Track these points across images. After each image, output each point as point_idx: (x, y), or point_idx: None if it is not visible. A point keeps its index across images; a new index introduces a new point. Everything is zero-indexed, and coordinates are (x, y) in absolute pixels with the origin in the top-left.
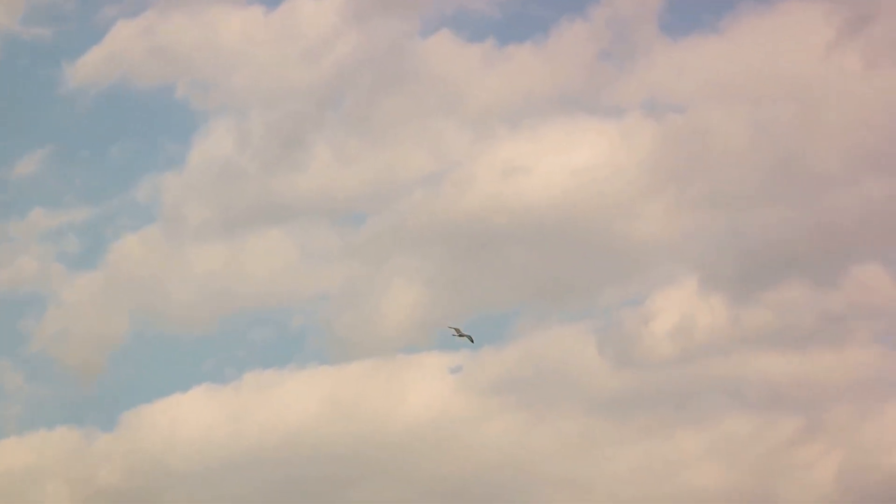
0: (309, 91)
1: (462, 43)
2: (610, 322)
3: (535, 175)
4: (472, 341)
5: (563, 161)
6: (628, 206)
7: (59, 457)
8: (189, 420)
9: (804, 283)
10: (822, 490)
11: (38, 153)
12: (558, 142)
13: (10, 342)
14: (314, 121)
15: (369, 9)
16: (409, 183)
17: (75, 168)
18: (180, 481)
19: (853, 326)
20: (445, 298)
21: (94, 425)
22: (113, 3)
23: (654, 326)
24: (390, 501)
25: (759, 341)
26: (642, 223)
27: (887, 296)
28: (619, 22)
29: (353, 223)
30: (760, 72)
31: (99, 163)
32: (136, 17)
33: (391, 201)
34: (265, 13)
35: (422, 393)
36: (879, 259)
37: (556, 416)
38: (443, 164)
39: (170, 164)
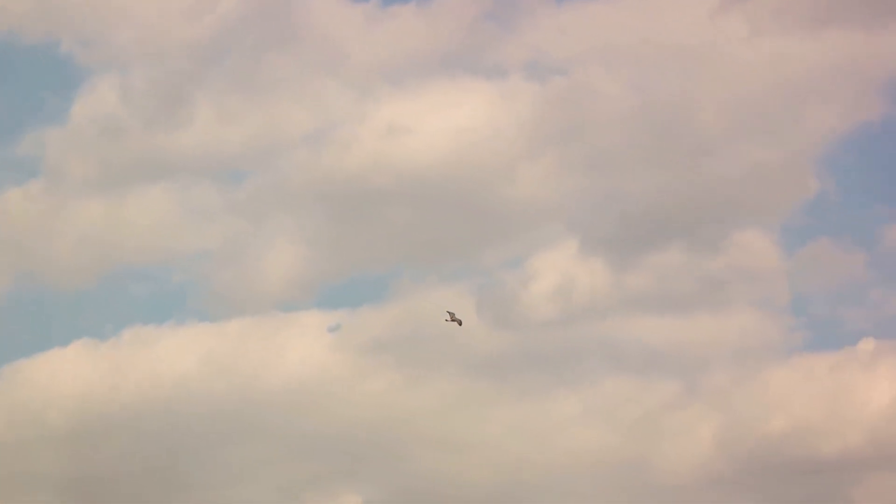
0: (192, 48)
1: (346, 2)
2: (490, 283)
3: (417, 135)
4: (461, 324)
5: (445, 122)
6: (510, 167)
7: None
8: (68, 375)
9: (684, 247)
10: (699, 454)
11: None
12: (440, 102)
13: None
14: (197, 78)
15: None
16: (292, 141)
17: None
18: (58, 436)
19: (733, 291)
20: (326, 257)
21: None
22: None
23: (534, 288)
24: (268, 459)
25: (638, 305)
26: (523, 185)
27: (767, 261)
28: None
29: (235, 181)
30: (644, 36)
31: None
32: None
33: (273, 159)
34: None
35: (300, 351)
36: (760, 224)
37: (435, 377)
38: (325, 123)
39: (52, 119)
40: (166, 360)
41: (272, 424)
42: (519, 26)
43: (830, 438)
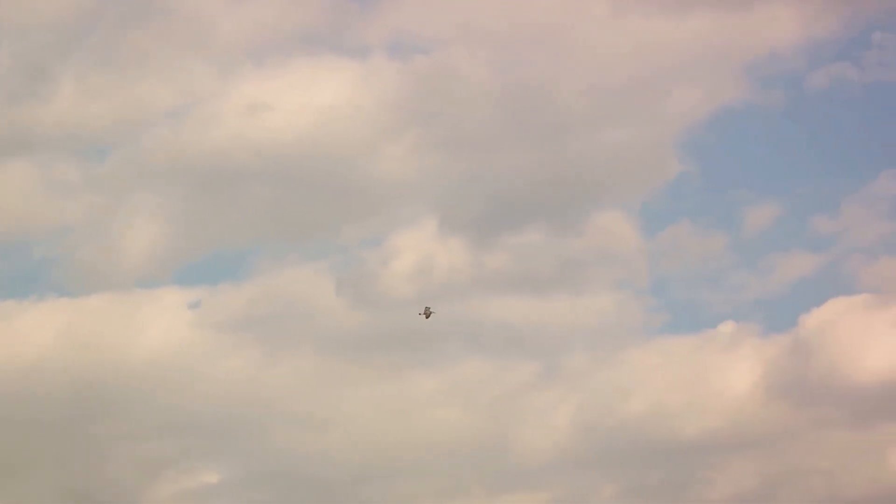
0: (56, 24)
1: None
2: (349, 261)
3: (278, 113)
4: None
5: (306, 100)
6: (371, 146)
7: None
8: None
9: (544, 228)
10: (558, 434)
11: None
12: (302, 80)
13: None
14: (60, 53)
15: None
16: (154, 118)
17: None
18: None
19: (593, 273)
20: (187, 234)
21: None
22: None
23: (394, 267)
24: (127, 436)
25: (498, 285)
26: (384, 164)
27: (627, 242)
28: None
29: (97, 156)
30: (507, 16)
31: None
32: None
33: (135, 135)
34: None
35: (160, 327)
36: (620, 206)
37: (294, 354)
38: (187, 100)
39: None
40: (26, 335)
41: (131, 401)
42: (382, 6)
43: (690, 420)
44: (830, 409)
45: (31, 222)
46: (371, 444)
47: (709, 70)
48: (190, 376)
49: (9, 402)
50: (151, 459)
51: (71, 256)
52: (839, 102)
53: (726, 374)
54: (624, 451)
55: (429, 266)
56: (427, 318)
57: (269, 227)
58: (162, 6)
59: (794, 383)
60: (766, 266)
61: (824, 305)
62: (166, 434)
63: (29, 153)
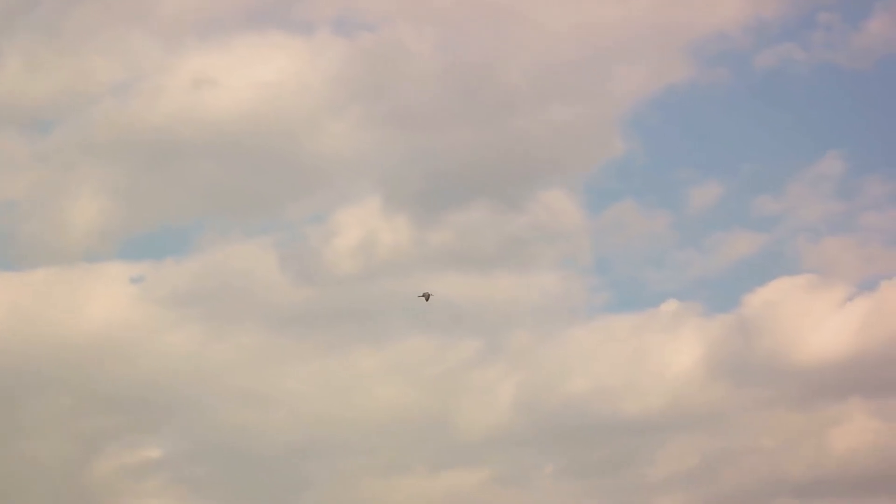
0: None
1: None
2: (293, 237)
3: (223, 88)
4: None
5: (251, 75)
6: (315, 122)
7: None
8: None
9: (488, 205)
10: (500, 412)
11: None
12: (247, 56)
13: None
14: (4, 28)
15: None
16: (99, 92)
17: None
18: None
19: (536, 250)
20: (131, 209)
21: None
22: None
23: (337, 243)
24: (69, 411)
25: (441, 262)
26: (329, 140)
27: (571, 220)
28: None
29: (42, 131)
30: None
31: None
32: None
33: (80, 110)
34: None
35: (103, 302)
36: (564, 184)
37: (237, 330)
38: (132, 75)
39: None
40: None
41: (74, 375)
42: None
43: (632, 399)
44: (773, 389)
45: None
46: (313, 421)
47: (654, 49)
48: (133, 351)
49: None
50: (93, 434)
51: (15, 230)
52: (785, 83)
53: (669, 352)
54: (566, 428)
55: (372, 243)
56: (427, 300)
57: (214, 203)
58: None
59: (737, 363)
60: (709, 245)
61: (768, 285)
62: (109, 409)
63: None
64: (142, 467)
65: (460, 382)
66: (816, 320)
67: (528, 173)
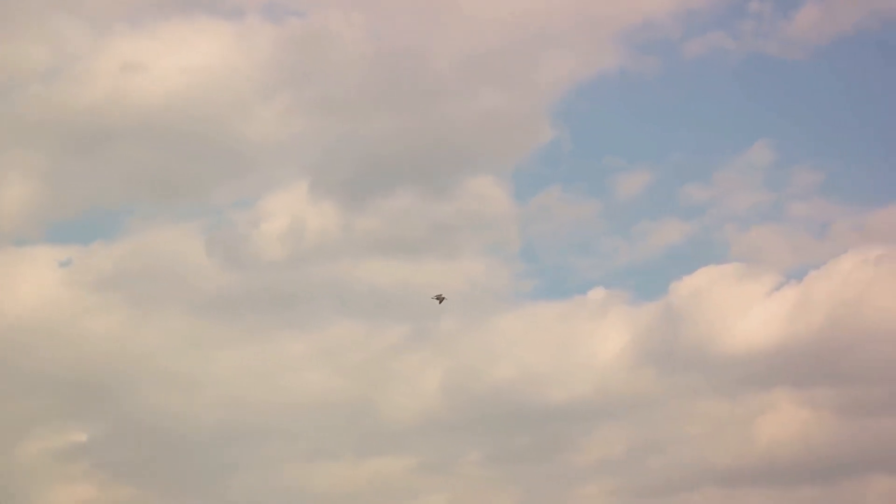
0: None
1: None
2: (220, 222)
3: (152, 73)
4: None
5: (180, 60)
6: (244, 107)
7: None
8: None
9: (416, 191)
10: (426, 398)
11: None
12: (176, 41)
13: None
14: None
15: None
16: (28, 76)
17: None
18: None
19: (464, 237)
20: (59, 193)
21: None
22: None
23: (265, 229)
24: None
25: (368, 248)
26: (257, 125)
27: (498, 207)
28: None
29: None
30: None
31: None
32: None
33: (9, 94)
34: None
35: (31, 285)
36: (492, 171)
37: (164, 314)
38: (61, 59)
39: None
40: None
41: (2, 359)
42: None
43: (558, 386)
44: (699, 377)
45: None
46: (239, 405)
47: (584, 37)
48: (60, 334)
49: None
50: (19, 418)
51: None
52: (714, 71)
53: (596, 340)
54: (492, 415)
55: (300, 228)
56: (440, 302)
57: (142, 187)
58: None
59: (664, 351)
60: (637, 233)
61: (695, 273)
62: (35, 392)
63: None
64: (67, 451)
65: (386, 368)
66: (744, 309)
67: (456, 160)
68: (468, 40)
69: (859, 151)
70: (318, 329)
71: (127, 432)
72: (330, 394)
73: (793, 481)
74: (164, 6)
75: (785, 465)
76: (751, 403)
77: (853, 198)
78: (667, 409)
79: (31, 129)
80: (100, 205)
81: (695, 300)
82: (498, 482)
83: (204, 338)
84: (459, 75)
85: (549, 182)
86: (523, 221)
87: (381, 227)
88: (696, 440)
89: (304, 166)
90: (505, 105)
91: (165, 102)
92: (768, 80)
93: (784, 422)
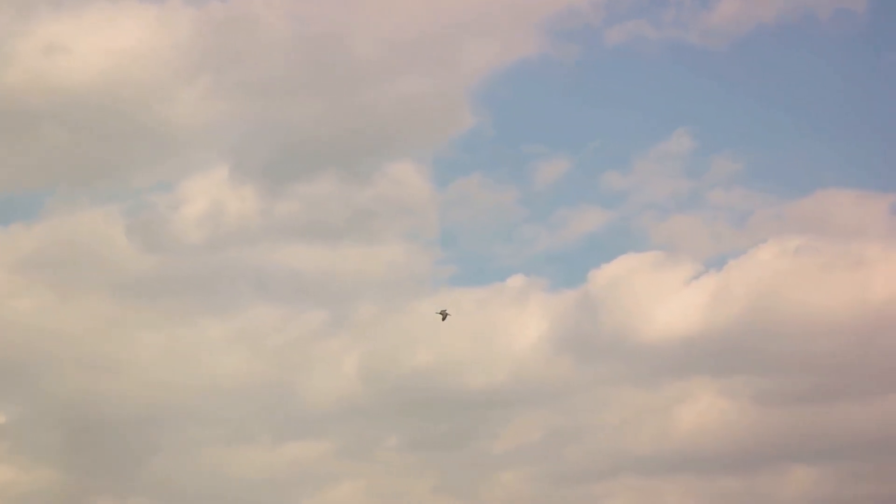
0: None
1: None
2: (140, 206)
3: (74, 55)
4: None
5: (102, 42)
6: (165, 91)
7: None
8: None
9: (336, 177)
10: (344, 383)
11: None
12: (100, 23)
13: None
14: None
15: None
16: None
17: None
18: None
19: (383, 223)
20: None
21: None
22: None
23: (184, 212)
24: None
25: (288, 233)
26: (177, 109)
27: (418, 194)
28: None
29: None
30: None
31: None
32: None
33: None
34: None
35: None
36: (412, 157)
37: (84, 296)
38: None
39: None
40: None
41: None
42: None
43: (476, 373)
44: (618, 365)
45: None
46: (159, 389)
47: (506, 23)
48: None
49: None
50: None
51: None
52: (635, 59)
53: (514, 327)
54: (410, 401)
55: (219, 212)
56: (444, 319)
57: (63, 170)
58: None
59: (582, 339)
60: (556, 221)
61: (614, 261)
62: None
63: None
64: None
65: (305, 353)
66: (662, 297)
67: (377, 145)
68: (390, 26)
69: (779, 141)
70: (238, 313)
71: (47, 414)
72: (249, 378)
73: (711, 470)
74: None
75: (703, 454)
76: (669, 392)
77: (773, 187)
78: (585, 397)
79: None
80: (20, 187)
81: (614, 288)
82: (415, 468)
83: (124, 320)
84: (381, 61)
85: (469, 168)
86: (443, 208)
87: (301, 212)
88: (613, 428)
89: (225, 150)
90: (426, 91)
91: (88, 85)
92: (689, 69)
93: (702, 410)
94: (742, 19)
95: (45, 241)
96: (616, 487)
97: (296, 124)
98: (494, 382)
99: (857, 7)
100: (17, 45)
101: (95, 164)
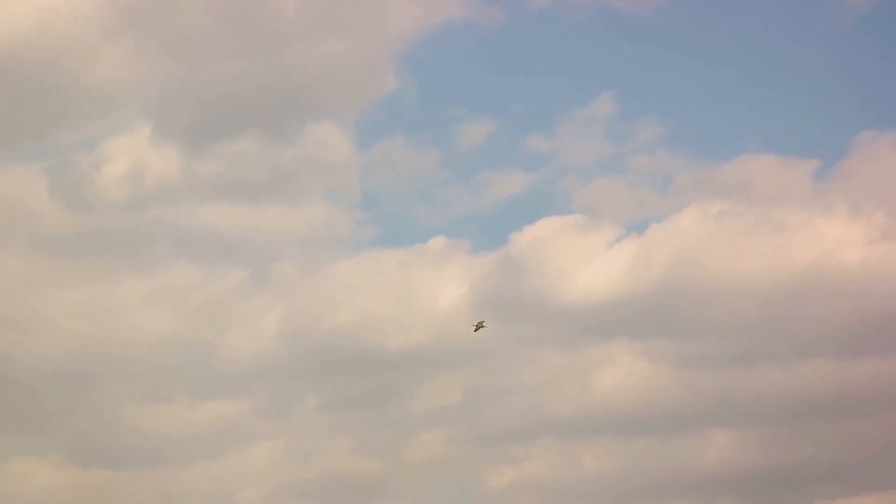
0: None
1: None
2: (63, 164)
3: None
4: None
5: (25, 1)
6: (88, 49)
7: None
8: None
9: (258, 137)
10: (265, 343)
11: None
12: None
13: None
14: None
15: None
16: None
17: None
18: None
19: (305, 183)
20: None
21: None
22: None
23: (107, 171)
24: None
25: (210, 192)
26: (101, 68)
27: (340, 155)
28: None
29: None
30: None
31: None
32: None
33: None
34: None
35: None
36: (335, 118)
37: (5, 254)
38: None
39: None
40: None
41: None
42: None
43: (396, 334)
44: (538, 328)
45: None
46: (78, 347)
47: None
48: None
49: None
50: None
51: None
52: (559, 23)
53: (435, 288)
54: (330, 361)
55: (142, 171)
56: (476, 330)
57: None
58: None
59: (503, 301)
60: (478, 183)
61: (536, 224)
62: None
63: None
64: None
65: (225, 312)
66: (584, 261)
67: (300, 106)
68: None
69: (703, 106)
70: (158, 272)
71: None
72: (169, 336)
73: (630, 433)
74: None
75: (623, 417)
76: (589, 355)
77: (696, 152)
78: (505, 359)
79: None
80: None
81: (535, 251)
82: (334, 428)
83: (46, 278)
84: (305, 21)
85: (392, 131)
86: (365, 169)
87: (223, 172)
88: (534, 390)
89: (148, 109)
90: (349, 52)
91: (10, 43)
92: (613, 34)
93: (622, 374)
94: None
95: None
96: (535, 449)
97: (219, 84)
98: (415, 343)
99: None
100: None
101: (19, 122)
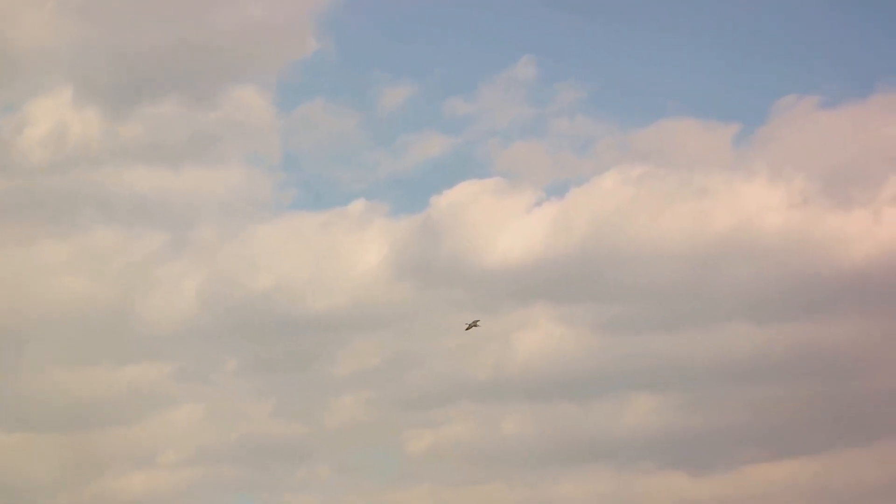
0: None
1: None
2: None
3: None
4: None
5: None
6: (9, 11)
7: None
8: None
9: (179, 99)
10: (184, 306)
11: None
12: None
13: None
14: None
15: None
16: None
17: None
18: None
19: (225, 146)
20: None
21: None
22: None
23: (28, 134)
24: None
25: (130, 155)
26: (22, 30)
27: (261, 118)
28: None
29: None
30: None
31: None
32: None
33: None
34: None
35: None
36: (255, 81)
37: None
38: None
39: None
40: None
41: None
42: None
43: (316, 297)
44: (458, 291)
45: None
46: None
47: None
48: None
49: None
50: None
51: None
52: None
53: (355, 252)
54: (249, 324)
55: (63, 134)
56: (468, 329)
57: None
58: None
59: (423, 264)
60: (399, 146)
61: (456, 188)
62: None
63: None
64: None
65: (145, 276)
66: (504, 224)
67: (220, 69)
68: None
69: (624, 70)
70: (79, 235)
71: None
72: (90, 300)
73: (550, 397)
74: None
75: (542, 381)
76: (509, 318)
77: (616, 116)
78: (424, 322)
79: None
80: None
81: (455, 214)
82: (254, 391)
83: None
84: None
85: (313, 93)
86: (285, 132)
87: (144, 135)
88: (453, 354)
89: (69, 72)
90: (269, 15)
91: None
92: None
93: (542, 337)
94: None
95: None
96: (455, 412)
97: (140, 47)
98: (335, 306)
99: None
100: None
101: None
